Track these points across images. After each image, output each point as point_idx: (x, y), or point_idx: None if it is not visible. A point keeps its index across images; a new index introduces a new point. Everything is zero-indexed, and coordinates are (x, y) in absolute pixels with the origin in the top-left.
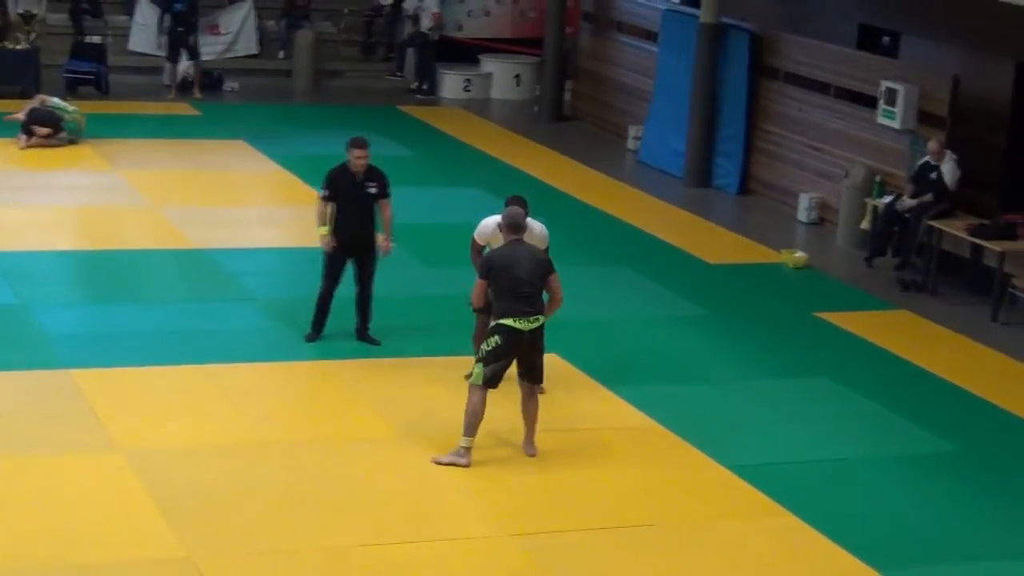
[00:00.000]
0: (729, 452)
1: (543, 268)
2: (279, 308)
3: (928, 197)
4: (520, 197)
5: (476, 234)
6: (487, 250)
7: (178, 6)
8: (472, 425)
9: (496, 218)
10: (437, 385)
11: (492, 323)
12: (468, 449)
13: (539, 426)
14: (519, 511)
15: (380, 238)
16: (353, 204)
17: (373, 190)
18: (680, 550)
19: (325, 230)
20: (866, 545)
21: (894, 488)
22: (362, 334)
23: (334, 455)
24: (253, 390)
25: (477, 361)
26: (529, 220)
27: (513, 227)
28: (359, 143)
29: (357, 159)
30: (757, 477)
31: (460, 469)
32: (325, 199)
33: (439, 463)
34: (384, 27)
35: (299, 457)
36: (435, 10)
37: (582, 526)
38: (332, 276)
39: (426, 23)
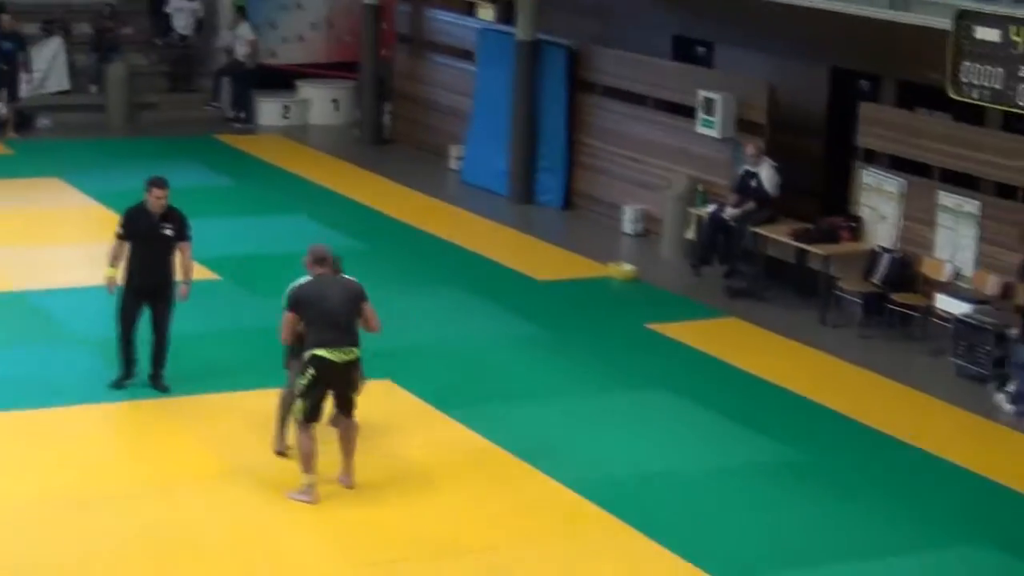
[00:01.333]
0: (569, 470)
1: (355, 298)
2: (103, 347)
3: (751, 205)
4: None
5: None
6: None
7: (5, 44)
8: (307, 461)
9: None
10: (264, 418)
11: (306, 354)
12: (311, 486)
13: (377, 455)
14: (364, 543)
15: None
16: (148, 245)
17: (169, 232)
18: (526, 572)
19: (112, 271)
20: (712, 556)
21: (736, 497)
22: (154, 381)
23: (167, 499)
24: (78, 435)
25: (296, 396)
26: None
27: (319, 260)
28: (159, 183)
29: (156, 199)
30: (599, 494)
31: (299, 505)
32: (120, 238)
33: (292, 498)
34: (187, 57)
35: (131, 505)
36: (250, 37)
37: (428, 554)
38: (126, 319)
39: (241, 51)
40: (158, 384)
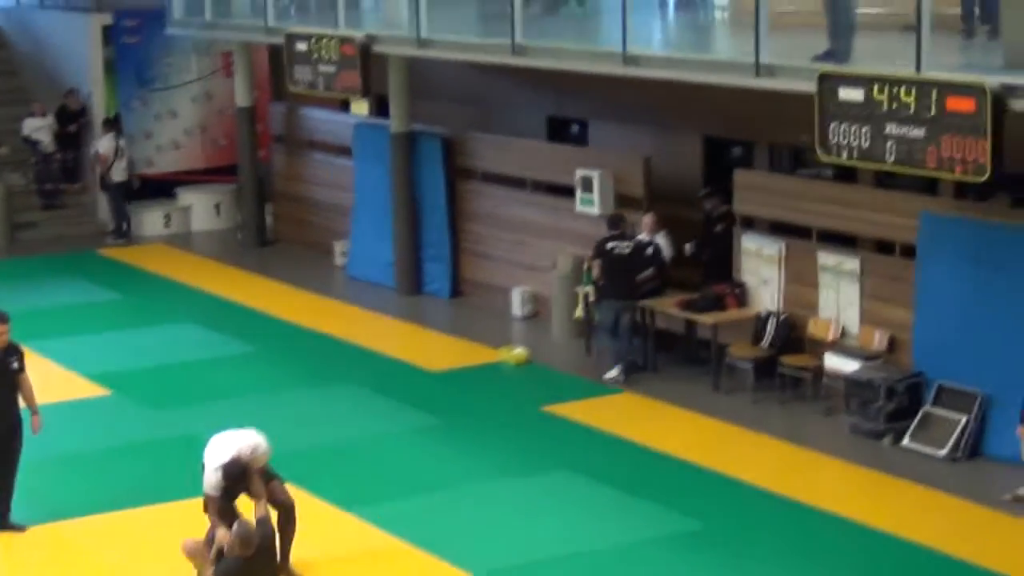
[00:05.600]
0: (478, 560)
1: None
2: None
3: (649, 272)
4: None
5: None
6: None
7: None
8: None
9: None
10: (168, 535)
11: None
12: None
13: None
14: None
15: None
16: None
17: (16, 365)
18: None
19: None
20: None
21: (642, 573)
22: (3, 522)
23: None
24: None
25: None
26: (251, 438)
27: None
28: (2, 318)
29: (1, 335)
30: None
31: None
32: None
33: None
34: (54, 173)
35: None
36: (101, 152)
37: None
38: None
39: (113, 160)
40: (8, 526)
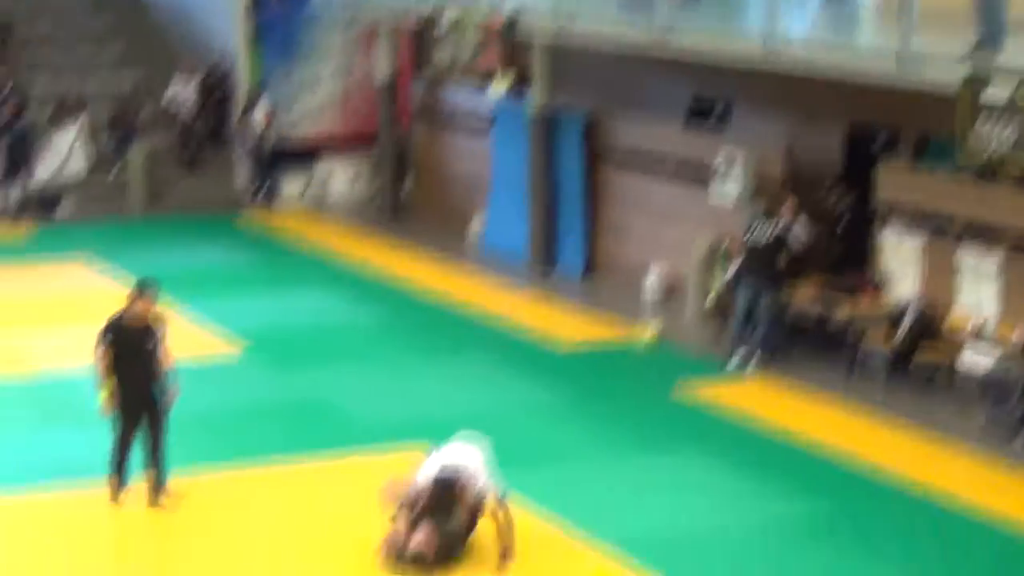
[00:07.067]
0: (606, 528)
1: None
2: None
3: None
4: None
5: None
6: None
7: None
8: None
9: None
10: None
11: None
12: None
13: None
14: None
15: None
16: (138, 355)
17: (158, 335)
18: None
19: (106, 393)
20: None
21: (772, 552)
22: (154, 499)
23: None
24: (106, 516)
25: None
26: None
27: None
28: (149, 287)
29: (145, 305)
30: (643, 551)
31: None
32: (108, 350)
33: None
34: (197, 136)
35: None
36: (266, 112)
37: None
38: (130, 428)
39: (258, 127)
40: (158, 503)
